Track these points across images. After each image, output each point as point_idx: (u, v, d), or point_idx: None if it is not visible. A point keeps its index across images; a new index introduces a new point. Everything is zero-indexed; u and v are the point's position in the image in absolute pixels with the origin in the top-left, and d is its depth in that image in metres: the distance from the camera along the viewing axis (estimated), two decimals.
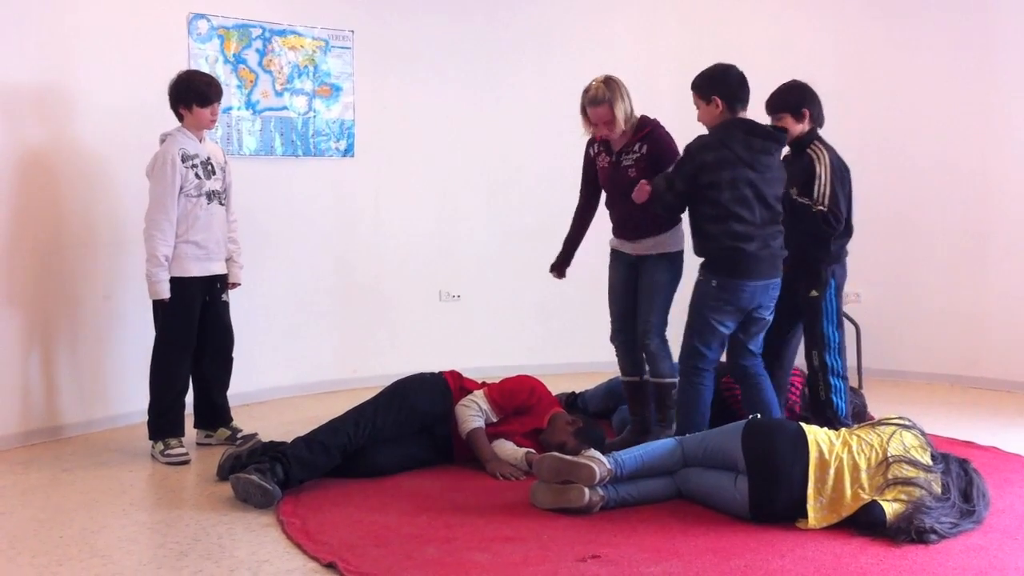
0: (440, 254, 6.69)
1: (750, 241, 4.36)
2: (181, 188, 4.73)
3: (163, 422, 4.82)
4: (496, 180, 6.77)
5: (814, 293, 4.68)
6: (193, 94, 4.79)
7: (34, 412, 5.10)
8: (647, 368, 4.93)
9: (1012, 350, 6.37)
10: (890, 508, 3.73)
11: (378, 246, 6.49)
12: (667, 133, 4.84)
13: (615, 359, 5.03)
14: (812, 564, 3.52)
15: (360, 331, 6.46)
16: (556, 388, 5.17)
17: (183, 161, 4.74)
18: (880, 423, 4.06)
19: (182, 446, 4.82)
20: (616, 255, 4.99)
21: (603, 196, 5.02)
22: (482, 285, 6.77)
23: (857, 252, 6.72)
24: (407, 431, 4.58)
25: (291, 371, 6.19)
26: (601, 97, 4.71)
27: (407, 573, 3.45)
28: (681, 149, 4.55)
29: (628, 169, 4.76)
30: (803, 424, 4.05)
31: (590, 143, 4.98)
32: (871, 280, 6.78)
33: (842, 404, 4.67)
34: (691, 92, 4.57)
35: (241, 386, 5.70)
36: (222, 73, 5.75)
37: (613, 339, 5.02)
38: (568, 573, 3.45)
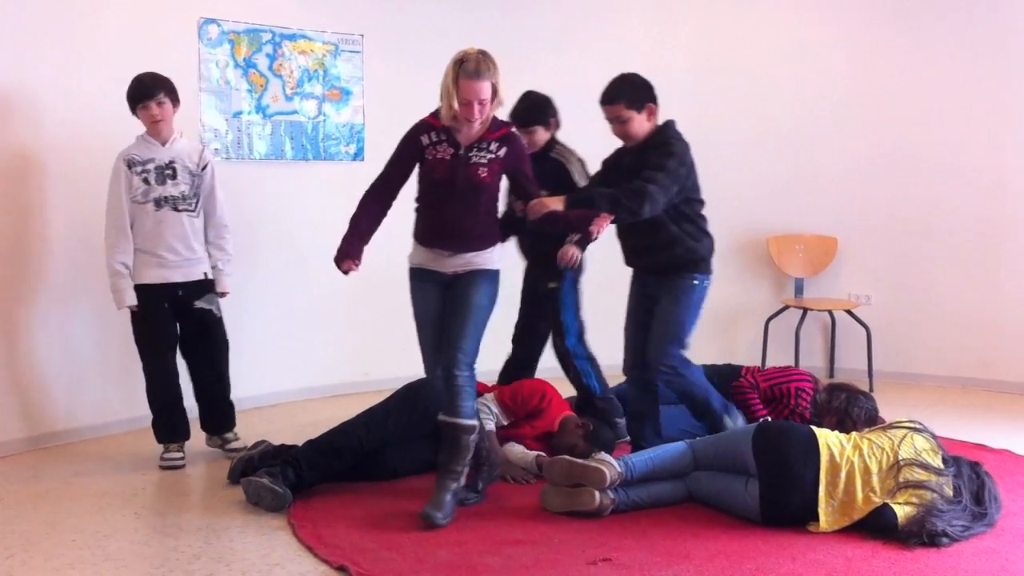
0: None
1: None
2: (131, 195, 4.65)
3: (159, 426, 4.81)
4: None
5: (552, 284, 4.94)
6: (128, 99, 4.69)
7: (46, 416, 5.12)
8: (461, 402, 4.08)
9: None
10: (902, 511, 3.73)
11: (389, 249, 6.46)
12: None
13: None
14: (824, 568, 3.52)
15: (371, 334, 6.46)
16: (567, 392, 5.17)
17: (130, 167, 4.64)
18: (891, 426, 4.06)
19: (180, 451, 4.78)
20: (423, 275, 4.21)
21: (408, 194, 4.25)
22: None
23: (868, 254, 6.81)
24: (418, 434, 4.58)
25: (302, 374, 6.20)
26: (485, 70, 3.94)
27: None
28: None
29: (479, 168, 4.06)
30: (814, 428, 4.05)
31: (425, 128, 4.12)
32: (882, 282, 6.79)
33: (595, 384, 5.04)
34: (604, 107, 4.50)
35: (252, 389, 5.72)
36: (232, 78, 5.77)
37: (435, 378, 4.16)
38: None
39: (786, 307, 6.76)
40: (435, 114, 4.13)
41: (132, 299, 4.66)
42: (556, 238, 4.75)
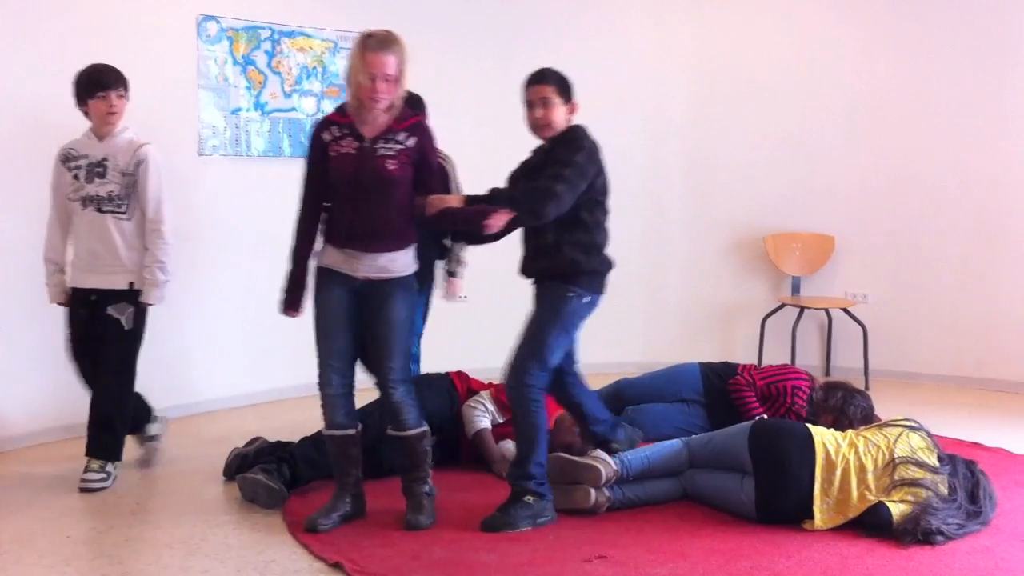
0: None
1: None
2: (65, 193, 4.44)
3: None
4: (505, 178, 6.76)
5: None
6: (84, 86, 4.38)
7: (40, 411, 5.12)
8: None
9: (1020, 351, 6.37)
10: (897, 509, 3.74)
11: None
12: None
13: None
14: (819, 565, 3.52)
15: None
16: None
17: (64, 161, 4.44)
18: (887, 424, 4.06)
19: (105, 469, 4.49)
20: (332, 277, 3.91)
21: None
22: (489, 285, 6.76)
23: (866, 253, 6.81)
24: None
25: (297, 371, 6.14)
26: (392, 43, 3.78)
27: (414, 573, 3.46)
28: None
29: (387, 161, 3.78)
30: (810, 426, 4.06)
31: (326, 124, 3.89)
32: (879, 281, 6.79)
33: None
34: (532, 87, 4.08)
35: (248, 386, 5.71)
36: (231, 75, 5.76)
37: (328, 385, 3.92)
38: (574, 574, 3.47)
39: (783, 305, 6.76)
40: (338, 110, 3.93)
41: (56, 296, 4.49)
42: (429, 247, 4.52)
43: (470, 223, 3.92)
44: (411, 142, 3.85)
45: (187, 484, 4.51)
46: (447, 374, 4.82)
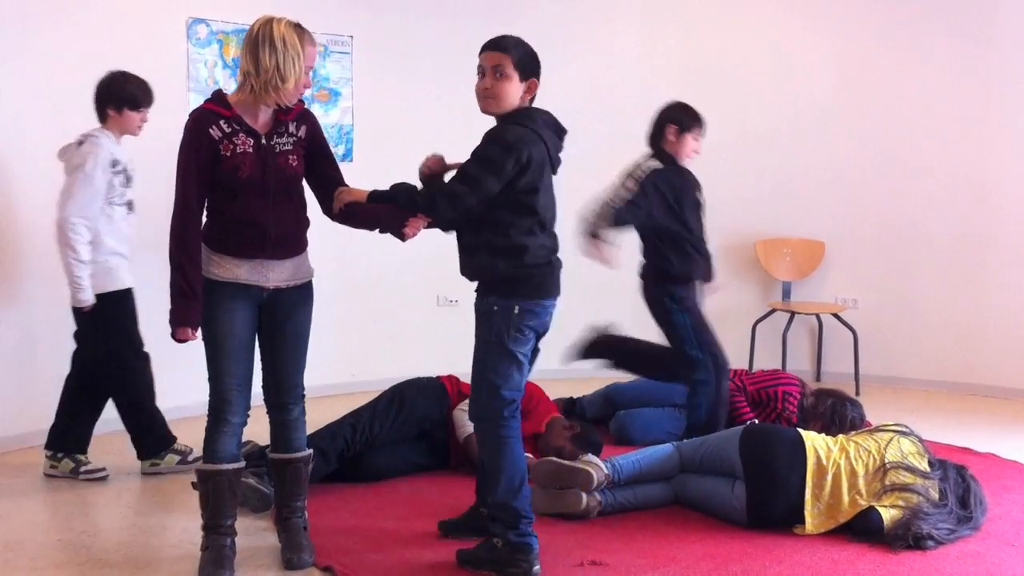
0: (438, 258, 6.57)
1: (554, 253, 3.58)
2: (108, 196, 4.43)
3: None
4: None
5: None
6: (127, 96, 4.46)
7: (30, 415, 5.09)
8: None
9: (1009, 356, 6.39)
10: (887, 514, 3.75)
11: (376, 250, 6.45)
12: None
13: None
14: (809, 570, 3.52)
15: (358, 335, 6.45)
16: (554, 393, 5.17)
17: (112, 166, 4.43)
18: (878, 429, 4.08)
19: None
20: (238, 292, 3.46)
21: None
22: None
23: (856, 258, 6.84)
24: (404, 436, 4.59)
25: None
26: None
27: None
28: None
29: (288, 157, 3.47)
30: (801, 430, 4.06)
31: (211, 118, 3.39)
32: (869, 286, 6.81)
33: None
34: (487, 52, 3.70)
35: None
36: (221, 78, 5.75)
37: (236, 414, 3.50)
38: None
39: (773, 310, 6.78)
40: (218, 101, 3.46)
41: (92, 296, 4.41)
42: None
43: (385, 227, 3.61)
44: (302, 132, 3.52)
45: (177, 488, 4.49)
46: (437, 378, 4.82)
